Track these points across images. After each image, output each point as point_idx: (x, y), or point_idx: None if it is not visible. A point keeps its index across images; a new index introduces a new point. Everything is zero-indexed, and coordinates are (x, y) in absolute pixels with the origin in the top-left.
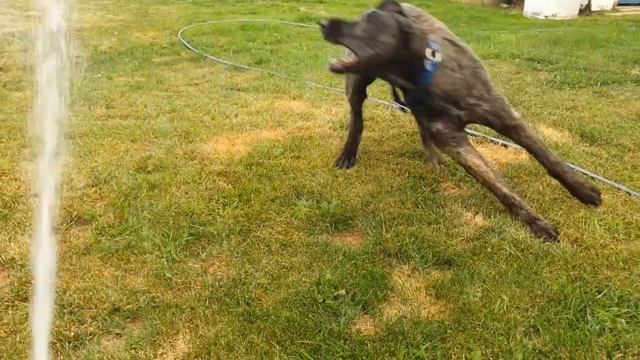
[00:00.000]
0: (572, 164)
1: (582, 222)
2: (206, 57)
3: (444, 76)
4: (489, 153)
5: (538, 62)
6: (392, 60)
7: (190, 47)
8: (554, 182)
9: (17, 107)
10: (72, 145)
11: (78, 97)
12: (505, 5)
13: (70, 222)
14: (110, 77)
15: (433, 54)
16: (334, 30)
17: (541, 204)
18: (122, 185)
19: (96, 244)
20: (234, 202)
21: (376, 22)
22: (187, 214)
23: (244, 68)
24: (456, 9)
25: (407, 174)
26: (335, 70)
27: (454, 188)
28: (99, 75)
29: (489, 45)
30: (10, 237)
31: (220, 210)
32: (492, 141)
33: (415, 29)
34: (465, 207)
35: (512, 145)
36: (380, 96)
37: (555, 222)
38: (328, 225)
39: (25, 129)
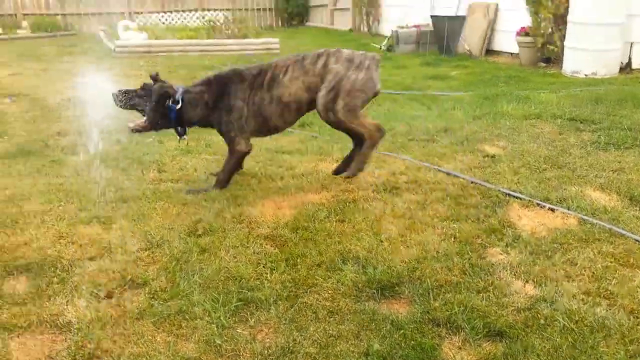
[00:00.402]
0: (623, 229)
1: (637, 291)
2: None
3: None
4: (535, 217)
5: (581, 122)
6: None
7: None
8: (606, 248)
9: (74, 170)
10: (126, 209)
11: (132, 161)
12: (544, 64)
13: (125, 285)
14: (162, 141)
15: (173, 101)
16: (125, 99)
17: (593, 272)
18: (174, 249)
19: (149, 309)
20: (281, 266)
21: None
22: (236, 279)
23: (288, 131)
24: (494, 68)
25: (452, 239)
26: (135, 131)
27: (501, 254)
28: (151, 139)
29: (530, 105)
30: (68, 301)
31: (268, 275)
32: (538, 205)
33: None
34: (515, 274)
35: (560, 209)
36: (422, 158)
37: (608, 292)
38: (374, 291)
39: (82, 192)
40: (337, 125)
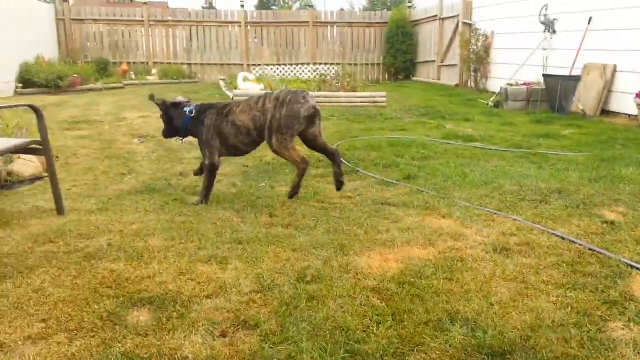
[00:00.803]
0: None
1: None
2: (358, 170)
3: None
4: None
5: None
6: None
7: (344, 161)
8: None
9: (194, 210)
10: (241, 251)
11: (246, 204)
12: None
13: (238, 325)
14: (273, 187)
15: (190, 112)
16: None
17: None
18: (284, 293)
19: (260, 351)
20: (388, 321)
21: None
22: (343, 329)
23: (393, 183)
24: (611, 130)
25: (569, 309)
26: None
27: (623, 329)
28: (263, 184)
29: None
30: (186, 336)
31: (374, 329)
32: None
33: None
34: (638, 352)
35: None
36: (534, 220)
37: None
38: (485, 357)
39: (201, 231)
40: (278, 155)
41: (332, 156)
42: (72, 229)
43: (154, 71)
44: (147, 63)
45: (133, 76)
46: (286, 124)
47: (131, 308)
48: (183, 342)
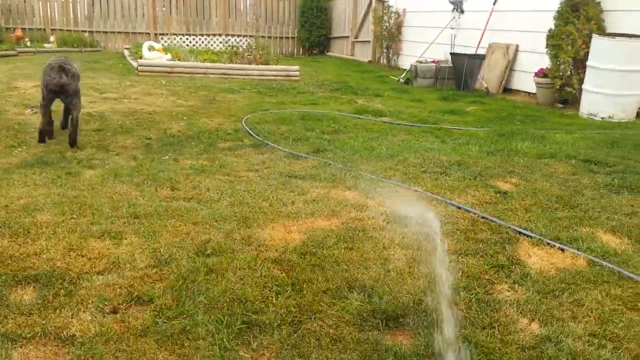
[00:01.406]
0: (632, 273)
1: None
2: (267, 144)
3: None
4: (545, 256)
5: (595, 164)
6: None
7: (253, 134)
8: (614, 291)
9: (88, 184)
10: (137, 225)
11: (147, 177)
12: (561, 105)
13: (130, 301)
14: (177, 160)
15: None
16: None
17: (600, 314)
18: (182, 267)
19: (153, 326)
20: (287, 291)
21: None
22: (241, 301)
23: (302, 156)
24: (511, 107)
25: (460, 273)
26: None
27: (508, 291)
28: (167, 157)
29: (545, 144)
30: (73, 314)
31: (273, 299)
32: (548, 244)
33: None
34: (521, 312)
35: (569, 249)
36: (433, 191)
37: (614, 335)
38: (379, 322)
39: (95, 205)
40: None
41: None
42: None
43: (52, 38)
44: (45, 30)
45: (28, 43)
46: (41, 87)
47: (14, 286)
48: (70, 320)
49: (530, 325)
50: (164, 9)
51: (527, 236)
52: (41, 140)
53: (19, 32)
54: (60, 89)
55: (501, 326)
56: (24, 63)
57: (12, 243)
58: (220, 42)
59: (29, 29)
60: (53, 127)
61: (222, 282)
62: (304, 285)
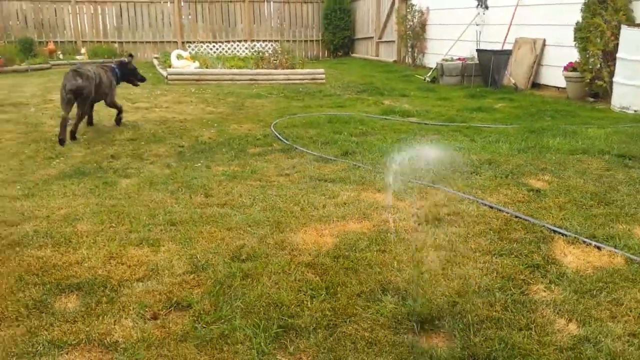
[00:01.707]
0: None
1: None
2: (296, 148)
3: None
4: (581, 254)
5: (629, 159)
6: None
7: (282, 139)
8: None
9: (125, 193)
10: (174, 232)
11: (181, 185)
12: (592, 99)
13: (170, 307)
14: (209, 167)
15: None
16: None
17: (639, 313)
18: (218, 273)
19: (192, 331)
20: (322, 294)
21: None
22: (277, 305)
23: (331, 159)
24: (540, 102)
25: (494, 274)
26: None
27: (544, 291)
28: (199, 164)
29: (576, 140)
30: (115, 321)
31: (308, 303)
32: (584, 242)
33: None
34: (558, 312)
35: (606, 247)
36: (465, 190)
37: None
38: (414, 324)
39: (132, 214)
40: None
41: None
42: None
43: (83, 50)
44: (76, 42)
45: (61, 56)
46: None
47: (58, 295)
48: (113, 327)
49: (567, 325)
50: (190, 17)
51: (562, 235)
52: (61, 136)
53: (51, 46)
54: (76, 90)
55: (538, 327)
56: (58, 76)
57: (55, 252)
58: (246, 48)
59: (61, 42)
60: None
61: (257, 287)
62: (338, 289)
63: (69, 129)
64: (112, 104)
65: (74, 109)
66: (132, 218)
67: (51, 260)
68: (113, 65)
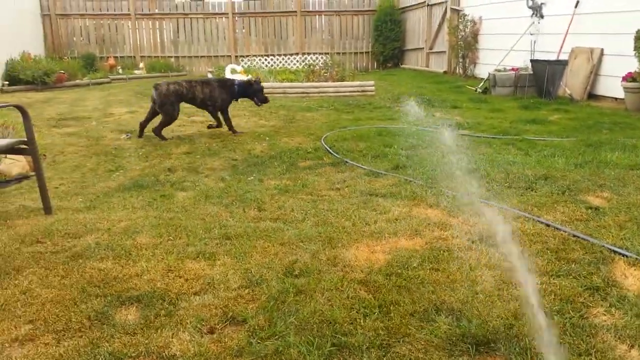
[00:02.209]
0: None
1: None
2: (347, 162)
3: None
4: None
5: None
6: None
7: (332, 152)
8: None
9: (182, 206)
10: (229, 246)
11: (235, 198)
12: None
13: (226, 322)
14: (262, 180)
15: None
16: None
17: None
18: (272, 288)
19: (248, 347)
20: (374, 313)
21: None
22: (330, 322)
23: (381, 173)
24: (597, 114)
25: (552, 296)
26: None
27: (605, 315)
28: (252, 177)
29: (637, 154)
30: (173, 334)
31: (361, 321)
32: None
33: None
34: (619, 338)
35: None
36: (520, 207)
37: None
38: (469, 346)
39: (189, 227)
40: None
41: None
42: (60, 228)
43: (141, 65)
44: (134, 57)
45: (120, 70)
46: None
47: (119, 307)
48: (171, 340)
49: (630, 351)
50: (243, 30)
51: (623, 255)
52: (140, 131)
53: (112, 61)
54: (153, 100)
55: (598, 353)
56: (117, 90)
57: (116, 265)
58: (297, 61)
59: (120, 57)
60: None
61: (310, 303)
62: (391, 307)
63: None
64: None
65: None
66: (189, 231)
67: (112, 272)
68: (235, 82)
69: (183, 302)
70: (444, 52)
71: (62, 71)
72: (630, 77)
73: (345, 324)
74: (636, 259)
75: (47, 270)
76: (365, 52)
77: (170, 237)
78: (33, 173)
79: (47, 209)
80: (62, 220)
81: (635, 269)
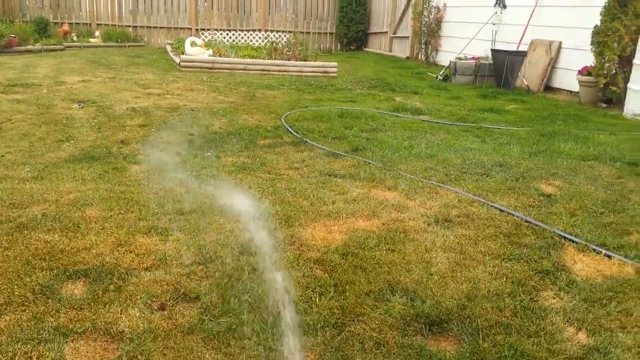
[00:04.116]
0: None
1: None
2: (307, 141)
3: None
4: (591, 262)
5: None
6: None
7: (292, 132)
8: None
9: (135, 179)
10: (183, 222)
11: (190, 174)
12: (604, 105)
13: (177, 298)
14: (219, 157)
15: None
16: None
17: None
18: (227, 265)
19: (200, 324)
20: (330, 292)
21: None
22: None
23: (341, 155)
24: (553, 105)
25: (504, 279)
26: None
27: (554, 298)
28: (209, 154)
29: (588, 146)
30: (122, 310)
31: (317, 300)
32: (594, 250)
33: None
34: (568, 320)
35: (617, 256)
36: (475, 192)
37: None
38: (422, 326)
39: (142, 201)
40: None
41: None
42: (4, 198)
43: (97, 33)
44: (90, 24)
45: (75, 38)
46: None
47: (65, 281)
48: (119, 316)
49: (577, 334)
50: (205, 4)
51: (573, 241)
52: None
53: (66, 27)
54: None
55: (548, 335)
56: (71, 57)
57: (63, 237)
58: (260, 38)
59: (76, 23)
60: None
61: (265, 282)
62: (347, 287)
63: None
64: None
65: None
66: (141, 206)
67: (59, 245)
68: None
69: (133, 277)
70: (407, 37)
71: (13, 35)
72: (586, 71)
73: (301, 303)
74: (585, 245)
75: None
76: (330, 33)
77: (122, 211)
78: None
79: None
80: (7, 189)
81: (584, 255)
